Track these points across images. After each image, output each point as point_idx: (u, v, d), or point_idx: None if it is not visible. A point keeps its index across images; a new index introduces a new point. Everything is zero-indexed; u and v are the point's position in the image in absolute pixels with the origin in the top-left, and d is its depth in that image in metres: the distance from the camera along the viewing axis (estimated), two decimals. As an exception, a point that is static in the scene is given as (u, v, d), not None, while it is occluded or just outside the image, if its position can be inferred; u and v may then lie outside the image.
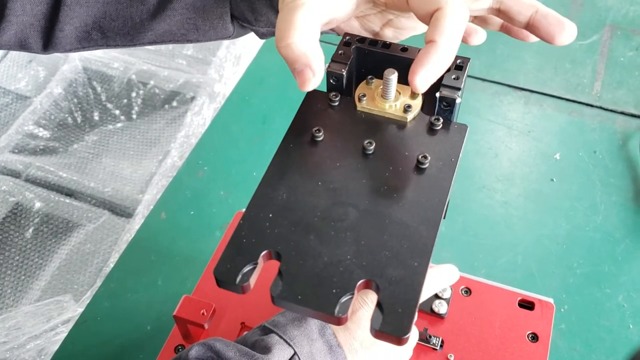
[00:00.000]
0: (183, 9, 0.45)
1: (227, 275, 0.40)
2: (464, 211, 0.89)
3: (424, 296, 0.55)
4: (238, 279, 0.40)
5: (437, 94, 0.44)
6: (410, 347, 0.56)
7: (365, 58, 0.47)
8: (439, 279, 0.56)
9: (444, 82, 0.44)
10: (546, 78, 1.06)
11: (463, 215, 0.89)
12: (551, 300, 0.65)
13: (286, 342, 0.48)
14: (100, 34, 0.48)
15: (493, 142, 0.98)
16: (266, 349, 0.47)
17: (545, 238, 0.86)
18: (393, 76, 0.43)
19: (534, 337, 0.62)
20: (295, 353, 0.48)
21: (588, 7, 1.18)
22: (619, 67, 1.07)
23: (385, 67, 0.44)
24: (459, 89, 0.43)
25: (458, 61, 0.45)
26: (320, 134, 0.46)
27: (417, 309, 0.39)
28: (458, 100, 0.43)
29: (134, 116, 1.54)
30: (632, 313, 0.78)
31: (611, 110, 1.01)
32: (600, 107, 1.01)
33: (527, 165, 0.95)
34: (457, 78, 0.43)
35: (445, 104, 0.44)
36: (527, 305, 0.65)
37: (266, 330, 0.50)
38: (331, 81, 0.46)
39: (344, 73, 0.46)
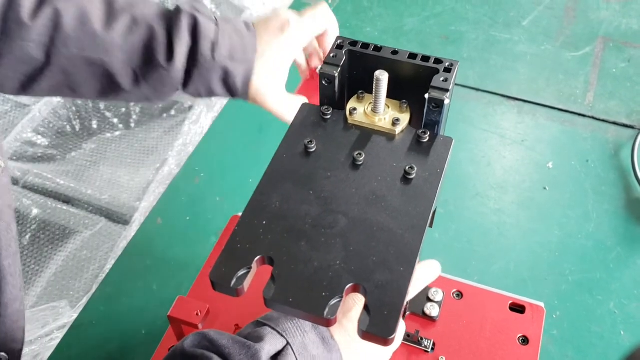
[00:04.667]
0: (145, 89, 0.59)
1: (222, 278, 0.42)
2: (458, 218, 0.90)
3: (412, 293, 0.56)
4: (233, 283, 0.42)
5: (426, 96, 0.45)
6: (399, 339, 0.56)
7: (357, 61, 0.49)
8: (421, 276, 0.56)
9: (433, 84, 0.45)
10: (539, 88, 1.07)
11: (457, 222, 0.89)
12: (542, 304, 0.66)
13: (279, 333, 0.49)
14: None
15: (487, 151, 0.99)
16: (259, 339, 0.48)
17: (538, 245, 0.87)
18: (384, 77, 0.45)
19: (525, 340, 0.63)
20: (288, 343, 0.48)
21: (581, 19, 1.20)
22: (611, 78, 1.09)
23: (376, 70, 0.46)
24: (447, 90, 0.44)
25: (447, 64, 0.46)
26: (313, 145, 0.48)
27: (402, 312, 0.40)
28: (447, 102, 0.44)
29: (132, 125, 1.55)
30: (623, 319, 0.79)
31: (603, 121, 1.02)
32: (593, 117, 1.03)
33: (520, 174, 0.96)
34: (445, 80, 0.45)
35: (434, 105, 0.45)
36: (517, 308, 0.66)
37: (259, 324, 0.51)
38: (324, 83, 0.48)
39: (336, 74, 0.47)
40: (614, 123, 1.02)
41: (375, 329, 0.39)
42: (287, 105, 0.60)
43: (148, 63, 0.56)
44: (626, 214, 0.90)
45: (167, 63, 0.56)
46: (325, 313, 0.40)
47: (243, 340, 0.48)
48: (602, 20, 1.19)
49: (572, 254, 0.86)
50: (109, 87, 0.58)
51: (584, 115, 1.03)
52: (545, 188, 0.94)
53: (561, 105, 1.05)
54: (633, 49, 1.13)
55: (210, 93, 0.60)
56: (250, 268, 0.43)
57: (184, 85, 0.58)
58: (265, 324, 0.50)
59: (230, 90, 0.59)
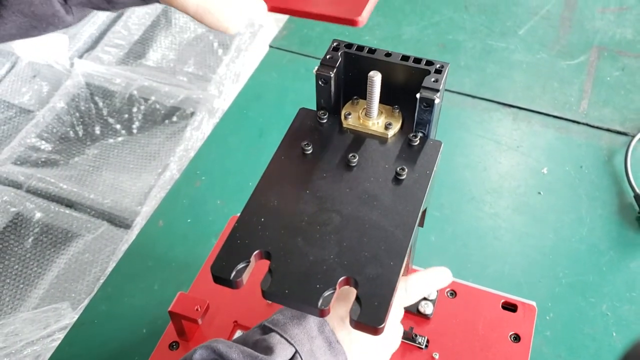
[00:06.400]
0: (13, 17, 0.45)
1: (222, 271, 0.44)
2: (454, 222, 0.91)
3: (418, 296, 0.57)
4: (232, 275, 0.44)
5: (418, 95, 0.47)
6: (398, 339, 0.58)
7: (352, 63, 0.51)
8: (432, 280, 0.58)
9: (424, 84, 0.47)
10: (535, 96, 1.09)
11: (453, 225, 0.91)
12: (533, 303, 0.67)
13: (287, 341, 0.49)
14: None
15: (482, 156, 1.01)
16: (268, 349, 0.48)
17: (532, 249, 0.88)
18: (377, 77, 0.47)
19: (516, 338, 0.64)
20: (296, 351, 0.49)
21: (576, 29, 1.22)
22: (605, 86, 1.11)
23: (370, 71, 0.48)
24: (437, 90, 0.47)
25: (437, 65, 0.48)
26: (309, 147, 0.51)
27: (392, 303, 0.42)
28: (437, 101, 0.46)
29: (135, 131, 1.58)
30: (615, 321, 0.80)
31: (597, 127, 1.04)
32: (587, 124, 1.05)
33: (515, 179, 0.97)
34: (436, 81, 0.47)
35: (425, 104, 0.47)
36: (510, 307, 0.67)
37: (266, 330, 0.51)
38: (320, 83, 0.50)
39: (332, 75, 0.49)
40: (608, 130, 1.03)
41: (366, 319, 0.41)
42: (218, 2, 0.43)
43: None
44: (619, 218, 0.91)
45: None
46: (319, 304, 0.42)
47: (254, 354, 0.48)
48: (597, 29, 1.21)
49: (566, 258, 0.87)
50: None
51: (578, 122, 1.05)
52: (539, 193, 0.95)
53: (556, 112, 1.07)
54: (627, 57, 1.15)
55: None
56: (249, 262, 0.45)
57: None
58: (272, 330, 0.50)
59: None
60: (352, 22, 0.43)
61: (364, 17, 0.43)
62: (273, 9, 0.46)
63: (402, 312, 0.58)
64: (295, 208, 0.48)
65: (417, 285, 0.56)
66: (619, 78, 1.12)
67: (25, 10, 0.44)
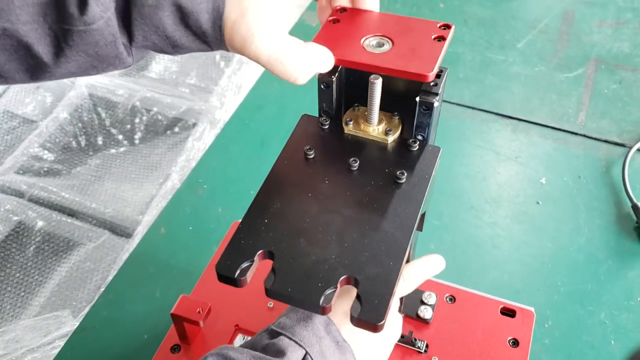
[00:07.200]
0: (76, 56, 0.43)
1: (227, 270, 0.45)
2: (453, 230, 0.92)
3: (415, 284, 0.58)
4: (237, 274, 0.45)
5: (417, 99, 0.48)
6: (399, 328, 0.58)
7: (353, 69, 0.52)
8: (427, 267, 0.58)
9: (424, 88, 0.48)
10: (533, 108, 1.11)
11: (452, 234, 0.92)
12: (532, 309, 0.68)
13: (297, 343, 0.50)
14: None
15: (482, 166, 1.02)
16: (279, 352, 0.49)
17: (531, 257, 0.89)
18: (378, 81, 0.48)
19: (515, 343, 0.65)
20: (307, 353, 0.50)
21: (574, 42, 1.23)
22: (603, 98, 1.12)
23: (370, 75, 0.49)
24: (437, 94, 0.48)
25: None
26: (312, 152, 0.52)
27: (391, 301, 0.43)
28: (436, 104, 0.48)
29: (137, 141, 1.59)
30: (613, 330, 0.81)
31: (595, 139, 1.05)
32: (585, 136, 1.06)
33: (514, 189, 0.98)
34: (435, 84, 0.48)
35: (424, 107, 0.48)
36: (508, 312, 0.68)
37: (274, 334, 0.52)
38: (322, 87, 0.51)
39: (334, 79, 0.50)
40: (606, 141, 1.05)
41: (367, 316, 0.42)
42: (289, 54, 0.44)
43: (61, 18, 0.41)
44: (617, 228, 0.92)
45: (79, 11, 0.40)
46: (321, 301, 0.43)
47: (266, 357, 0.48)
48: (595, 43, 1.23)
49: (564, 266, 0.88)
50: (27, 61, 0.43)
51: (576, 134, 1.06)
52: (538, 203, 0.96)
53: (554, 123, 1.08)
54: (624, 71, 1.17)
55: (174, 43, 0.44)
56: (252, 261, 0.46)
57: (129, 38, 0.44)
58: (280, 333, 0.51)
59: (197, 34, 0.44)
60: (422, 77, 0.46)
61: (434, 72, 0.46)
62: (340, 62, 0.48)
63: (398, 301, 0.59)
64: (298, 210, 0.49)
65: (413, 272, 0.57)
66: (616, 91, 1.13)
67: (90, 50, 0.43)
